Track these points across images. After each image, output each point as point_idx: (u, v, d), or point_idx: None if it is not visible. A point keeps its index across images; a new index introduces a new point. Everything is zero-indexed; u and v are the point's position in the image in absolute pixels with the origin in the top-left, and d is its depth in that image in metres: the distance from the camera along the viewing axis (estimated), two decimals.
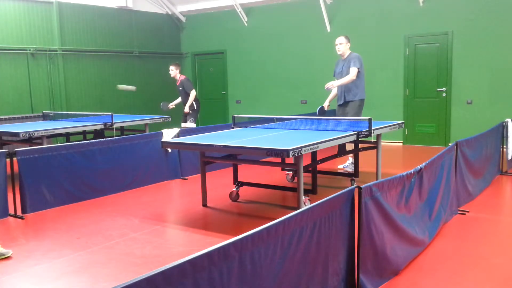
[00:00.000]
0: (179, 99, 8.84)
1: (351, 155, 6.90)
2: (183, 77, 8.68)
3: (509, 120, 6.66)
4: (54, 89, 9.92)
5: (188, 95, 8.49)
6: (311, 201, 4.86)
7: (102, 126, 7.51)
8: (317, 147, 4.63)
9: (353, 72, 6.69)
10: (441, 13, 9.09)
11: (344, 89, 6.87)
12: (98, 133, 7.95)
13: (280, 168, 6.69)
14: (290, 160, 5.19)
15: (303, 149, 4.39)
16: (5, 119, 8.88)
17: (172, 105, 8.86)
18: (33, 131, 6.46)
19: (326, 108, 7.13)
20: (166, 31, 12.39)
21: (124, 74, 11.41)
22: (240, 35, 11.73)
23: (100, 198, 5.83)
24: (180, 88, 8.59)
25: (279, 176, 6.78)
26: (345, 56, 6.91)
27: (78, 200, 5.71)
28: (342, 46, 6.87)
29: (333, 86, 6.74)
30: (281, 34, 11.11)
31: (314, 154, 5.31)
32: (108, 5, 10.92)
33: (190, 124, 8.46)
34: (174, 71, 8.60)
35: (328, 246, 2.84)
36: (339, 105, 7.07)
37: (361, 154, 6.31)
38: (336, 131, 5.51)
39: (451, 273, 3.48)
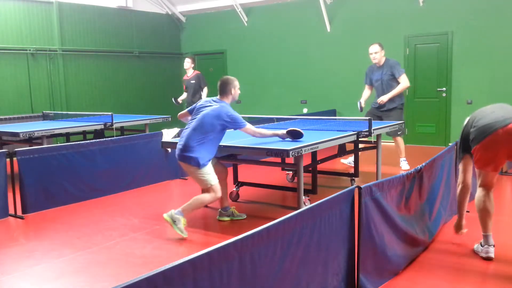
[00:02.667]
0: (184, 95, 9.02)
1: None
2: (198, 72, 8.85)
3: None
4: (54, 89, 9.92)
5: (200, 89, 8.69)
6: (311, 201, 4.86)
7: (102, 126, 7.51)
8: (317, 147, 4.63)
9: (404, 80, 6.84)
10: (441, 13, 9.09)
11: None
12: (98, 133, 7.95)
13: (280, 168, 6.69)
14: (290, 160, 5.19)
15: (303, 149, 4.39)
16: (5, 119, 8.88)
17: (180, 99, 9.02)
18: (33, 131, 6.45)
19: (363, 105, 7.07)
20: (166, 31, 12.39)
21: (124, 74, 11.41)
22: (240, 35, 11.73)
23: (100, 198, 5.83)
24: (193, 81, 8.68)
25: (279, 176, 6.78)
26: (382, 63, 7.01)
27: (78, 200, 5.71)
28: (378, 55, 6.97)
29: (384, 101, 6.85)
30: (281, 34, 11.11)
31: (314, 154, 5.31)
32: (108, 5, 10.91)
33: None
34: (189, 64, 8.73)
35: (328, 246, 2.84)
36: (378, 109, 7.08)
37: (361, 154, 6.31)
38: (336, 131, 5.51)
39: (451, 273, 3.48)
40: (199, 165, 4.41)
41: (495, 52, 8.64)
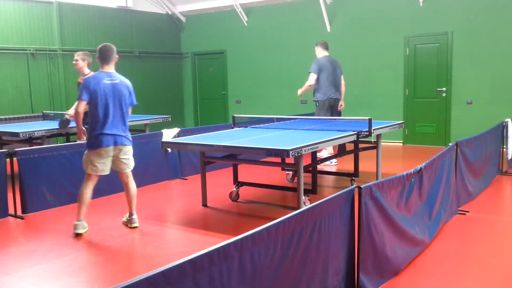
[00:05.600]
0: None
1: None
2: (91, 73, 5.49)
3: (509, 120, 6.66)
4: (54, 89, 9.92)
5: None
6: (311, 201, 4.86)
7: None
8: (317, 147, 4.63)
9: (309, 77, 7.45)
10: (441, 13, 9.09)
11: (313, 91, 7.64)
12: None
13: (280, 168, 6.69)
14: (290, 160, 5.19)
15: (303, 149, 4.39)
16: (5, 119, 8.88)
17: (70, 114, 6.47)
18: (33, 131, 6.45)
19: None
20: (166, 31, 12.39)
21: (124, 74, 11.34)
22: (240, 35, 11.73)
23: (100, 198, 5.83)
24: None
25: (279, 176, 6.78)
26: None
27: None
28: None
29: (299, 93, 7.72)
30: (281, 34, 11.11)
31: (314, 154, 5.31)
32: (108, 5, 10.91)
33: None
34: (81, 63, 6.13)
35: (328, 246, 2.84)
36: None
37: (361, 154, 6.31)
38: (336, 131, 5.51)
39: (451, 273, 3.48)
40: (131, 144, 4.64)
41: (495, 52, 8.64)
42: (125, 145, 4.55)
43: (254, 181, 5.80)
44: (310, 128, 6.00)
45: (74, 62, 6.23)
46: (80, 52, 6.31)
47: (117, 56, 4.57)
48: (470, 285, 3.31)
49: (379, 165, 6.26)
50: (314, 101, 7.58)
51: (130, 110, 4.67)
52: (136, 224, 4.73)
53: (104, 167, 4.56)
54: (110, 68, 4.53)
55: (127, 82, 4.59)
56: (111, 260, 3.92)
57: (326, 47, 7.66)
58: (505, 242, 4.17)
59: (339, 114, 7.74)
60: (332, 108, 7.52)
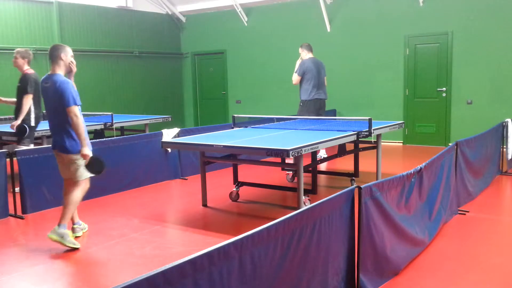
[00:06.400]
0: (14, 99, 6.50)
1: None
2: (30, 71, 6.12)
3: (509, 120, 6.66)
4: None
5: (24, 95, 6.10)
6: (311, 201, 4.86)
7: (102, 126, 7.50)
8: (317, 147, 4.63)
9: (293, 76, 7.81)
10: (441, 13, 9.09)
11: None
12: (98, 133, 7.94)
13: (280, 168, 6.69)
14: (290, 160, 5.19)
15: (303, 149, 4.39)
16: (5, 119, 8.88)
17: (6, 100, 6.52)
18: None
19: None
20: (166, 31, 12.39)
21: (124, 74, 11.41)
22: (240, 35, 11.73)
23: (100, 198, 5.83)
24: (19, 85, 6.20)
25: (279, 176, 6.78)
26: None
27: None
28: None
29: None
30: (281, 34, 11.11)
31: (314, 154, 5.31)
32: (108, 5, 10.91)
33: (24, 147, 5.89)
34: (20, 61, 6.12)
35: (328, 246, 2.84)
36: None
37: (361, 154, 6.31)
38: (336, 131, 5.51)
39: (451, 273, 3.48)
40: (72, 152, 4.13)
41: (495, 52, 8.64)
42: (61, 152, 4.21)
43: (254, 181, 5.80)
44: (310, 128, 6.00)
45: (13, 60, 6.17)
46: (20, 49, 6.23)
47: (64, 55, 4.18)
48: (470, 285, 3.31)
49: (379, 165, 6.26)
50: (300, 99, 7.73)
51: (73, 111, 4.02)
52: (50, 235, 4.07)
53: (60, 168, 4.36)
54: (54, 70, 4.20)
55: (59, 83, 4.07)
56: (111, 260, 3.92)
57: (310, 49, 7.83)
58: (505, 242, 4.17)
59: (331, 114, 7.82)
60: (319, 108, 7.65)
